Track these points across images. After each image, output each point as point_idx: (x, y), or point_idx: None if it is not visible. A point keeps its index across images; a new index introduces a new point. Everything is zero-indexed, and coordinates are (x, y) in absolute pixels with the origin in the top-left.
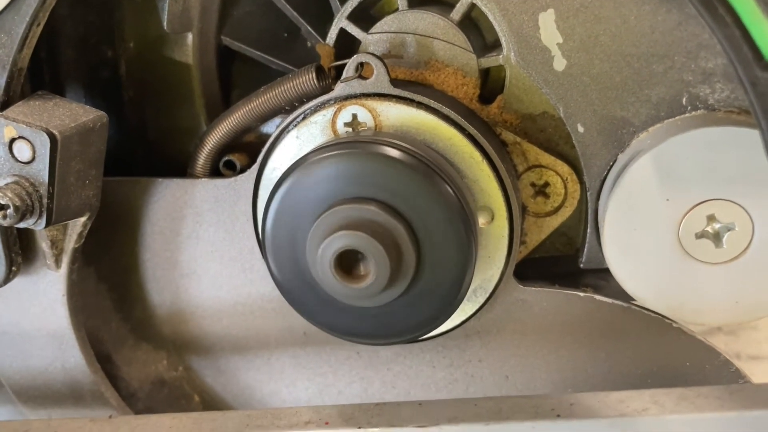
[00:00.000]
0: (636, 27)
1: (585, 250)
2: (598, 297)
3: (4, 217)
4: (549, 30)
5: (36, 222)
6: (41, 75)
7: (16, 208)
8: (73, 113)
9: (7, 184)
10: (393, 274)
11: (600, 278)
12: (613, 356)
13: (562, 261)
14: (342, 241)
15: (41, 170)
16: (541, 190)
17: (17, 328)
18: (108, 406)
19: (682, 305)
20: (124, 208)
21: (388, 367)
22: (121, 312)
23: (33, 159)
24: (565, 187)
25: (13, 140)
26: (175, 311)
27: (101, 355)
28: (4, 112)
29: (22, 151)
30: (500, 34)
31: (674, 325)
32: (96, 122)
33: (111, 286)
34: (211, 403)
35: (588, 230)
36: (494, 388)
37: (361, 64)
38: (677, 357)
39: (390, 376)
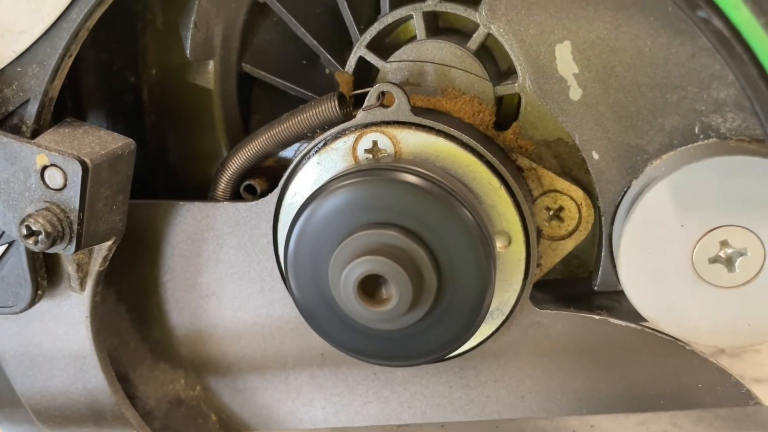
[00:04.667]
0: (650, 58)
1: (599, 273)
2: (612, 320)
3: (36, 243)
4: (565, 61)
5: (66, 247)
6: (63, 101)
7: (48, 234)
8: (103, 141)
9: (38, 211)
10: (415, 297)
11: (612, 300)
12: (627, 378)
13: (574, 283)
14: (365, 266)
15: (72, 197)
16: (556, 215)
17: (39, 350)
18: (128, 426)
19: (695, 328)
20: (145, 231)
21: (405, 388)
22: (139, 332)
23: (64, 186)
24: (580, 212)
25: (45, 168)
26: (194, 332)
27: (119, 374)
28: (35, 140)
29: (54, 178)
30: (516, 64)
31: (687, 347)
32: (124, 149)
33: (130, 307)
34: (228, 422)
35: (602, 254)
36: (510, 409)
37: (383, 93)
38: (689, 378)
39: (407, 396)
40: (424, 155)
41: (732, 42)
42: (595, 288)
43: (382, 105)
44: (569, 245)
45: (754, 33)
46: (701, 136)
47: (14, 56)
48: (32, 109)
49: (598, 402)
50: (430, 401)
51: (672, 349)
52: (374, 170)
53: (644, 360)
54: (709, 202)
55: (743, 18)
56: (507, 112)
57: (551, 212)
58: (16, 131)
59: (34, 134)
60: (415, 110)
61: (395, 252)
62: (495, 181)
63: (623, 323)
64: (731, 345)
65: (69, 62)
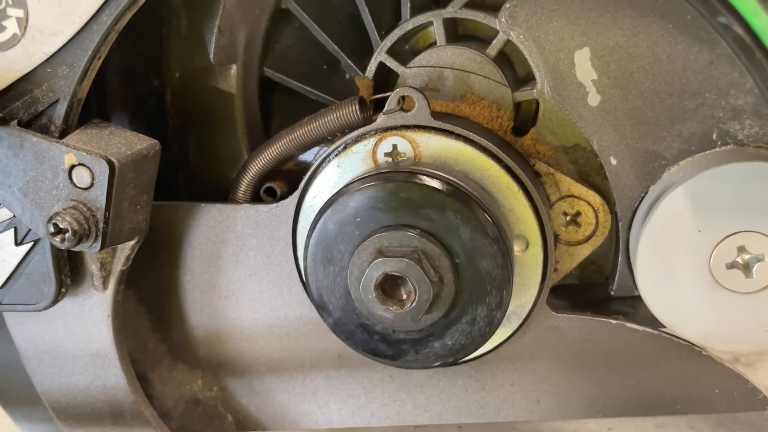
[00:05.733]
0: (669, 65)
1: (616, 278)
2: (629, 324)
3: (63, 240)
4: (584, 67)
5: (91, 245)
6: (88, 103)
7: (74, 232)
8: (129, 141)
9: (65, 209)
10: (433, 298)
11: (628, 305)
12: (644, 382)
13: (591, 288)
14: (385, 266)
15: (99, 196)
16: (573, 220)
17: (60, 348)
18: (147, 425)
19: (712, 333)
20: (166, 232)
21: (421, 390)
22: (158, 333)
23: (91, 185)
24: (597, 217)
25: (72, 167)
26: (213, 332)
27: (137, 374)
28: (64, 140)
29: (82, 177)
30: (535, 70)
31: (703, 352)
32: (149, 150)
33: (150, 308)
34: (244, 423)
35: (619, 259)
36: (525, 413)
37: (403, 97)
38: (706, 384)
39: (422, 399)
40: (443, 159)
41: (752, 48)
42: (612, 293)
43: (402, 109)
44: (586, 250)
45: None
46: (719, 143)
47: (45, 57)
48: (61, 110)
49: (614, 407)
50: (446, 404)
51: (689, 355)
52: (394, 173)
53: (661, 365)
54: (727, 208)
55: (763, 24)
56: (525, 117)
57: (568, 217)
58: (44, 131)
59: (62, 134)
60: (435, 115)
61: (415, 253)
62: (513, 186)
63: (640, 328)
64: (748, 351)
65: (98, 64)
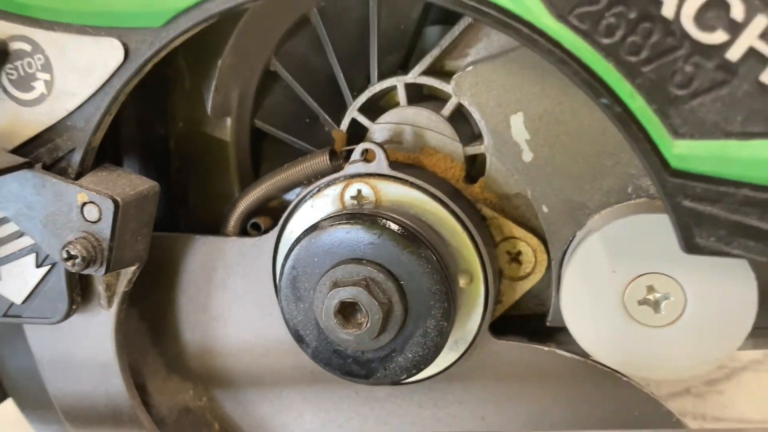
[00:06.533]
0: (589, 129)
1: (551, 310)
2: (559, 351)
3: (73, 265)
4: (518, 129)
5: (97, 270)
6: (104, 146)
7: (83, 258)
8: (133, 183)
9: (77, 239)
10: (384, 323)
11: (569, 335)
12: (574, 403)
13: (537, 319)
14: (343, 293)
15: (105, 229)
16: (515, 258)
17: (70, 357)
18: (143, 429)
19: (628, 361)
20: (165, 259)
21: (382, 406)
22: (157, 347)
23: (99, 219)
24: (535, 256)
25: (84, 204)
26: (204, 348)
27: (137, 384)
28: (78, 181)
29: (91, 212)
30: (481, 129)
31: (624, 378)
32: (150, 191)
33: (150, 325)
34: (229, 431)
35: (554, 294)
36: (473, 427)
37: (366, 150)
38: (628, 406)
39: (383, 414)
40: (399, 203)
41: (630, 124)
42: (548, 323)
43: (366, 160)
44: (526, 285)
45: (647, 117)
46: (633, 196)
47: (66, 113)
48: (77, 157)
49: (549, 423)
50: (404, 419)
51: (611, 380)
52: (357, 215)
53: (588, 388)
54: (636, 252)
55: (638, 106)
56: (479, 167)
57: (511, 255)
58: (63, 173)
59: (78, 176)
60: (394, 165)
61: (369, 283)
62: (458, 228)
63: (568, 355)
64: (661, 378)
65: (109, 119)
